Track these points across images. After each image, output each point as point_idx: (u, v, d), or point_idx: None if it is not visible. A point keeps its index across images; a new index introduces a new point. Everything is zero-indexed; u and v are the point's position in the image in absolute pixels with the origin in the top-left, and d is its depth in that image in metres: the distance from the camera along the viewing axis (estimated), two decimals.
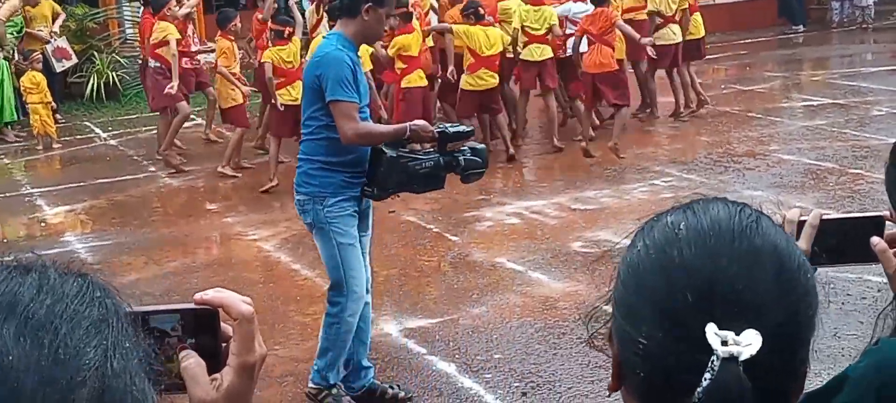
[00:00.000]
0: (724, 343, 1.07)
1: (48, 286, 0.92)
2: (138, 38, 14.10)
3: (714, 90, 15.20)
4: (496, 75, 11.15)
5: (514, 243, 8.44)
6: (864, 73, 16.33)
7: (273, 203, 10.13)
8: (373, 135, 5.36)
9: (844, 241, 1.86)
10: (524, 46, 11.54)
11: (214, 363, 1.26)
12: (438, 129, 5.43)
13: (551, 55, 11.58)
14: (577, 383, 5.74)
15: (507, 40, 11.31)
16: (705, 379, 1.07)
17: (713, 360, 1.07)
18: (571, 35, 11.57)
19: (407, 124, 5.47)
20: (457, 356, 6.25)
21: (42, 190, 11.50)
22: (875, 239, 1.82)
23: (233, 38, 11.81)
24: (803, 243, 1.83)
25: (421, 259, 8.22)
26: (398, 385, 5.80)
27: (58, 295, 0.91)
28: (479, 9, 11.19)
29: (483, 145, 5.80)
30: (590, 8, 11.27)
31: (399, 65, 10.98)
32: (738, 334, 1.08)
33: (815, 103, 13.83)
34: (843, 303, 6.48)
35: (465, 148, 5.47)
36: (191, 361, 1.23)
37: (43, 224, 10.20)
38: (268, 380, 5.79)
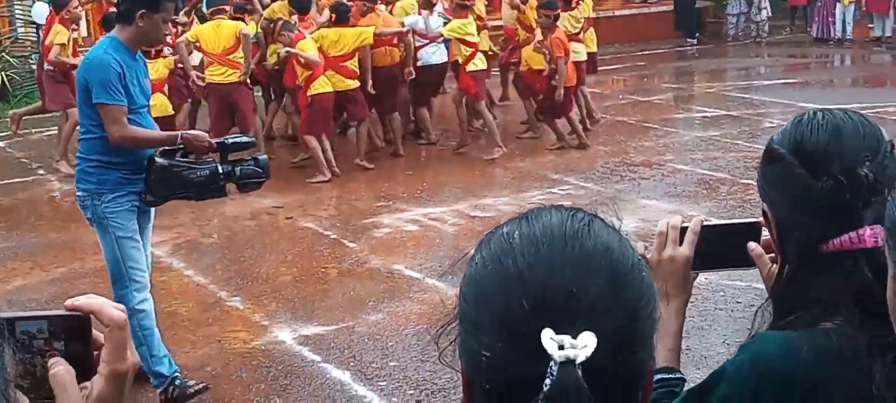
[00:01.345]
0: (561, 347, 1.08)
1: None
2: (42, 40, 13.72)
3: (612, 100, 15.44)
4: (348, 79, 11.15)
5: (412, 250, 8.43)
6: (757, 86, 16.77)
7: (165, 208, 9.93)
8: (138, 139, 5.47)
9: (724, 247, 1.95)
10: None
11: (85, 371, 1.22)
12: (217, 140, 5.68)
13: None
14: None
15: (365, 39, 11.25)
16: (545, 385, 1.07)
17: (551, 366, 1.07)
18: (423, 46, 11.95)
19: (179, 133, 5.75)
20: (352, 363, 6.21)
21: None
22: (752, 244, 1.93)
23: None
24: (686, 248, 1.93)
25: (318, 265, 8.15)
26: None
27: None
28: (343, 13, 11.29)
29: (265, 156, 6.11)
30: (440, 22, 11.77)
31: (304, 72, 10.88)
32: (574, 337, 1.08)
33: (709, 115, 14.14)
34: (732, 311, 6.61)
35: (249, 158, 5.80)
36: (59, 368, 1.20)
37: None
38: (150, 389, 5.68)
